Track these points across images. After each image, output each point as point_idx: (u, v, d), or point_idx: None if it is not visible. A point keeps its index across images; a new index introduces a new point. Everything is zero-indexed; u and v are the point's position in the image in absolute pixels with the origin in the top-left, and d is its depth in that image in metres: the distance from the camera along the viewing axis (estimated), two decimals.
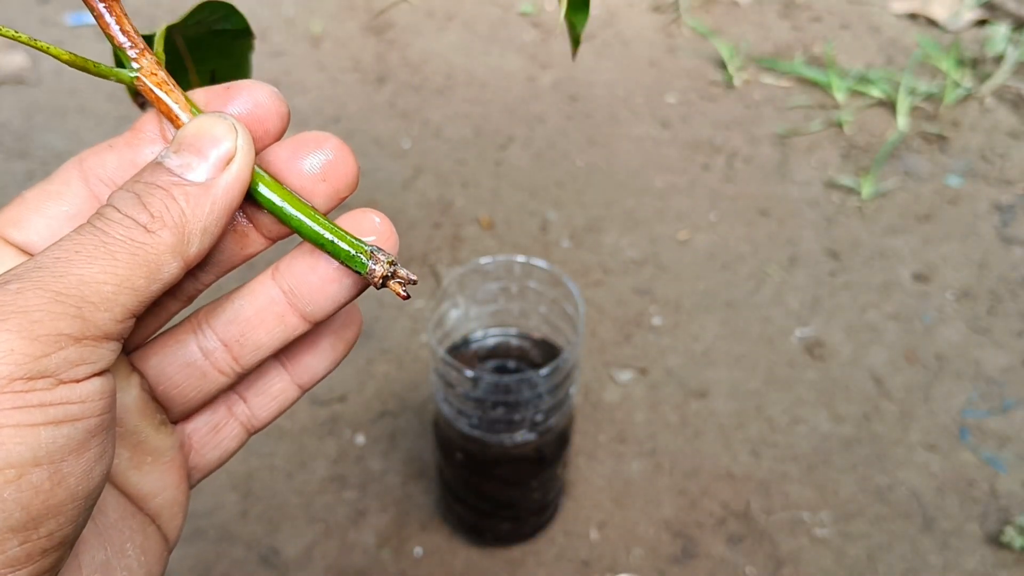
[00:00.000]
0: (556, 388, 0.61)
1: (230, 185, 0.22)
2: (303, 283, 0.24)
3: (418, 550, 0.72)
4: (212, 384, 0.25)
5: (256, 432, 0.27)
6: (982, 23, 1.26)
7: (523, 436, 0.63)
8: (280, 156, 0.24)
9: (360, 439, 0.78)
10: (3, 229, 0.23)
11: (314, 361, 0.27)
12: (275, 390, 0.27)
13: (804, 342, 0.87)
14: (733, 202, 1.01)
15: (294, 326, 0.25)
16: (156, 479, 0.25)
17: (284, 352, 0.26)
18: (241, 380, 0.26)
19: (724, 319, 0.89)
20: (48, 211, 0.23)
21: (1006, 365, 0.85)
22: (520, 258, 0.65)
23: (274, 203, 0.23)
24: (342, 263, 0.23)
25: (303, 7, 1.31)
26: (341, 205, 0.25)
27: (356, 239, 0.23)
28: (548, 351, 0.66)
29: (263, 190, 0.23)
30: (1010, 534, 0.71)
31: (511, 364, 0.66)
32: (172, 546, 0.25)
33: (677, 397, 0.82)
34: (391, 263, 0.23)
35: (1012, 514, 0.74)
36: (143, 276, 0.20)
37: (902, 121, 1.11)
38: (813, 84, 1.18)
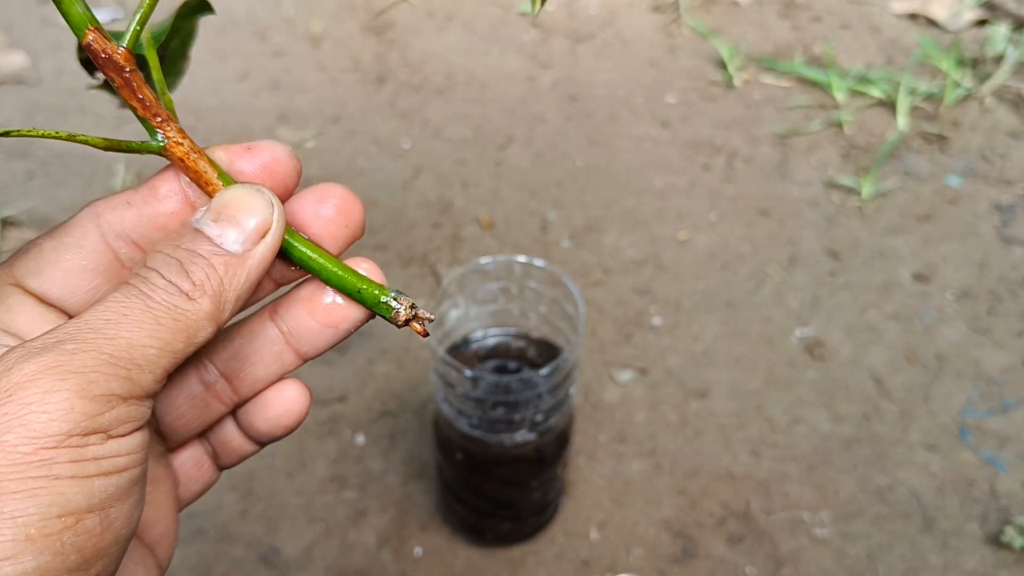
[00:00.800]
0: (556, 388, 0.61)
1: (264, 256, 0.23)
2: (302, 326, 0.26)
3: (418, 550, 0.72)
4: (213, 413, 0.27)
5: (226, 469, 0.29)
6: (982, 23, 1.26)
7: (523, 436, 0.63)
8: (306, 207, 0.26)
9: (360, 439, 0.78)
10: (22, 278, 0.24)
11: (266, 428, 0.28)
12: (235, 444, 0.28)
13: (804, 342, 0.87)
14: (733, 202, 1.01)
15: (290, 363, 0.27)
16: (156, 508, 0.26)
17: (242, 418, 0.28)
18: (235, 408, 0.27)
19: (724, 319, 0.89)
20: (65, 264, 0.24)
21: (1006, 365, 0.85)
22: (520, 258, 0.65)
23: (310, 258, 0.25)
24: (369, 308, 0.26)
25: (303, 7, 1.30)
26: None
27: (381, 287, 0.26)
28: (548, 351, 0.66)
29: (302, 249, 0.25)
30: (1010, 534, 0.71)
31: (511, 364, 0.66)
32: (164, 572, 0.27)
33: (677, 397, 0.82)
34: (412, 306, 0.26)
35: (1012, 514, 0.74)
36: (182, 341, 0.22)
37: (902, 121, 1.11)
38: (813, 84, 1.18)
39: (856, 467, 0.77)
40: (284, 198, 0.26)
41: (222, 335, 0.26)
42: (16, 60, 1.17)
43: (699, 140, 1.10)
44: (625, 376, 0.84)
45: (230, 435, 0.28)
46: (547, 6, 1.33)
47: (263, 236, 0.23)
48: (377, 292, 0.26)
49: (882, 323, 0.88)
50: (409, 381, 0.83)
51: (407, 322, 0.26)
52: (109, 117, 1.10)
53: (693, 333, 0.87)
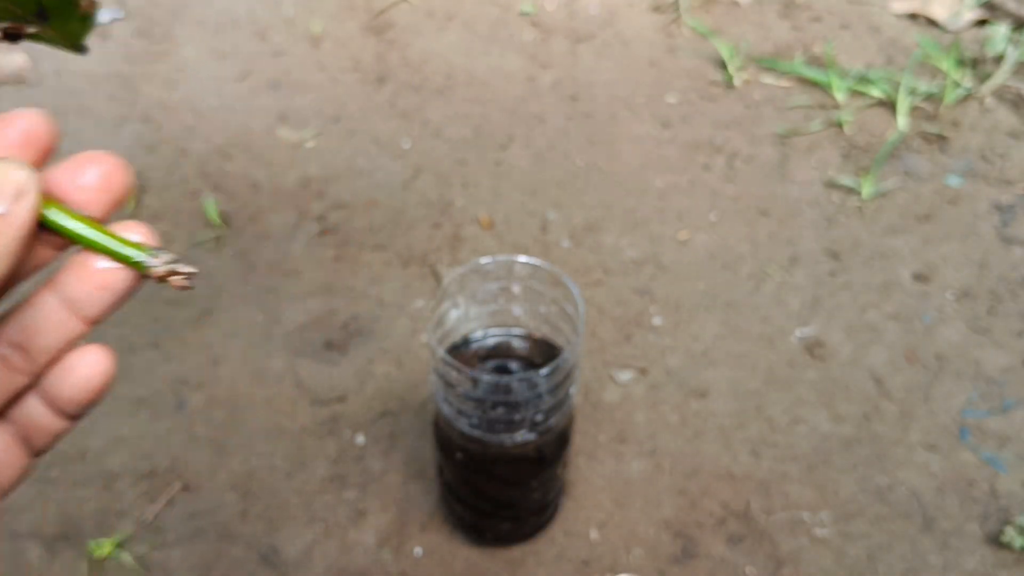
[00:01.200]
0: (556, 388, 0.61)
1: (21, 218, 0.25)
2: (79, 291, 0.27)
3: (418, 550, 0.72)
4: (13, 384, 0.28)
5: (40, 454, 0.29)
6: (982, 23, 1.26)
7: (523, 436, 0.63)
8: (64, 176, 0.27)
9: (360, 439, 0.78)
10: None
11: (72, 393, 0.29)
12: (44, 422, 0.29)
13: (804, 342, 0.87)
14: (733, 202, 1.01)
15: (76, 329, 0.28)
16: None
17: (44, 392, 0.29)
18: (38, 380, 0.28)
19: (724, 319, 0.89)
20: None
21: (1006, 365, 0.85)
22: (520, 258, 0.65)
23: (63, 225, 0.27)
24: (128, 266, 0.27)
25: (303, 7, 1.31)
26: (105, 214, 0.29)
27: (137, 245, 0.27)
28: (548, 351, 0.66)
29: (54, 215, 0.26)
30: (1010, 534, 0.71)
31: (511, 364, 0.66)
32: None
33: (677, 397, 0.82)
34: (169, 263, 0.27)
35: (1012, 514, 0.74)
36: None
37: (902, 121, 1.11)
38: (813, 84, 1.18)
39: (856, 467, 0.77)
40: (43, 161, 0.27)
41: (10, 312, 0.28)
42: (16, 60, 1.17)
43: (699, 140, 1.10)
44: (625, 376, 0.84)
45: (36, 412, 0.28)
46: (547, 6, 1.33)
47: (19, 197, 0.25)
48: (130, 252, 0.27)
49: (882, 323, 0.88)
50: (409, 381, 0.83)
51: (164, 277, 0.27)
52: (109, 118, 1.10)
53: (693, 333, 0.87)
